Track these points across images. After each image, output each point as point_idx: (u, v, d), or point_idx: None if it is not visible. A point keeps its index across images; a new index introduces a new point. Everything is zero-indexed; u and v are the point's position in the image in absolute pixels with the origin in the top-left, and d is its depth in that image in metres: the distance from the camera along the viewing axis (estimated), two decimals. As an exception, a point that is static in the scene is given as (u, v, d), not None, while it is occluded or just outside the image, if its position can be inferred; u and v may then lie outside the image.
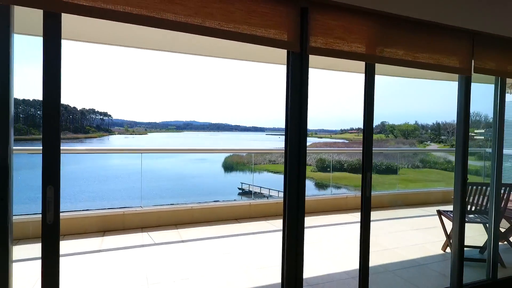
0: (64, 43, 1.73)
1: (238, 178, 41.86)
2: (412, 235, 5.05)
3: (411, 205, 6.72)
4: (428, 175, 32.92)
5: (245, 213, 5.45)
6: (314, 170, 42.60)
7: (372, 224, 2.67)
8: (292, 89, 2.31)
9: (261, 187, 26.53)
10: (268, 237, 4.81)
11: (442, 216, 4.22)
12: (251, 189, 27.73)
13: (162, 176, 36.35)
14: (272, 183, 24.48)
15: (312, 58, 2.33)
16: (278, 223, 5.30)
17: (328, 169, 41.20)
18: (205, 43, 2.93)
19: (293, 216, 2.37)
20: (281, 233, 2.42)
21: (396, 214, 6.30)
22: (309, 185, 33.70)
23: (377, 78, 2.61)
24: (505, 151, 3.40)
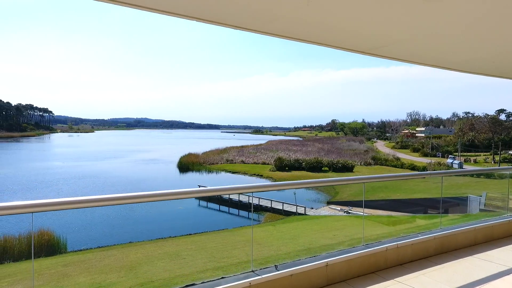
0: None
1: (195, 180, 40.81)
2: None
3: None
4: (380, 172, 34.76)
5: None
6: (272, 169, 42.71)
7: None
8: None
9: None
10: None
11: None
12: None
13: (107, 185, 33.75)
14: (231, 183, 23.55)
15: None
16: None
17: (287, 168, 41.69)
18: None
19: None
20: None
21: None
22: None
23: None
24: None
